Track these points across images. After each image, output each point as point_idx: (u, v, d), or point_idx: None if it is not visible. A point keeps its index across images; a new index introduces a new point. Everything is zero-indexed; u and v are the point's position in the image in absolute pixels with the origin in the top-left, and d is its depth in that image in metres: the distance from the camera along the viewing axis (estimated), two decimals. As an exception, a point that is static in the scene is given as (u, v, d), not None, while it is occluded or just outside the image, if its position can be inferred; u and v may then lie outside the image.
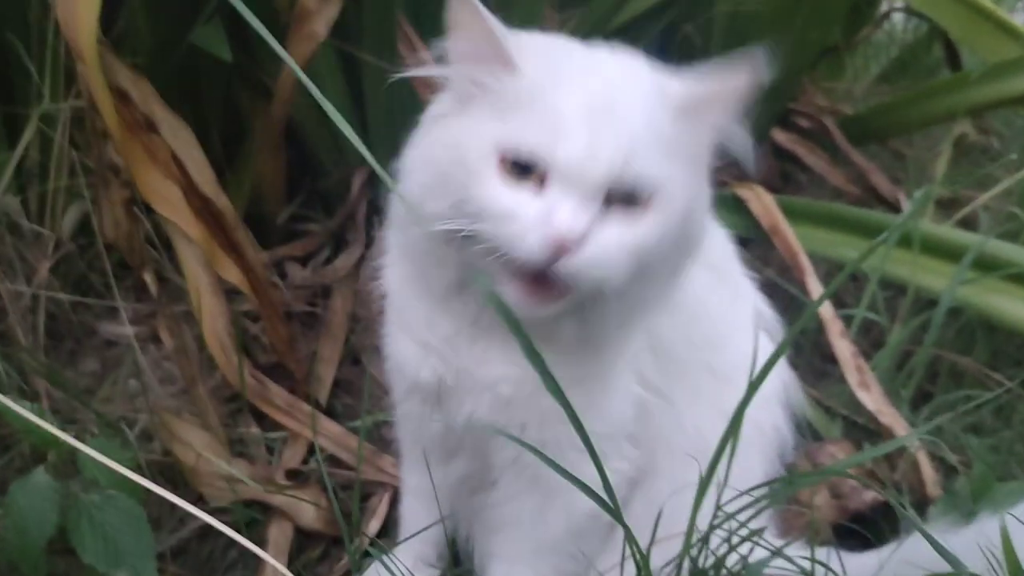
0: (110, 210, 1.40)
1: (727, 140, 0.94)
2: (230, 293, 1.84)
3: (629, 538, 0.98)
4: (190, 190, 1.32)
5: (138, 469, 1.44)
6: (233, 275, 1.38)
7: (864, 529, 1.25)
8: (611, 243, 0.86)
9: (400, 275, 1.08)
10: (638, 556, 1.00)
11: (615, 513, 0.96)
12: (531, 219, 0.85)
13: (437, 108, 0.97)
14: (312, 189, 1.98)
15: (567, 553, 1.13)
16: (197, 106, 1.82)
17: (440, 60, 0.95)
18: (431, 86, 1.66)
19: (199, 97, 1.82)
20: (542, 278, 0.87)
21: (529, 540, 1.12)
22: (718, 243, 1.20)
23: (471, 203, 0.88)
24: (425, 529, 1.25)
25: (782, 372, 1.24)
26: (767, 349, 1.20)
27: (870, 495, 1.26)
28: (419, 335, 1.06)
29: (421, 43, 1.68)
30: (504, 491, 1.12)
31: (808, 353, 1.62)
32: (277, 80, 1.58)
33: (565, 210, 0.84)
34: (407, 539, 1.29)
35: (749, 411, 1.06)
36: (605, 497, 0.94)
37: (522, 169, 0.87)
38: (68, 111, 1.59)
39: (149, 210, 1.75)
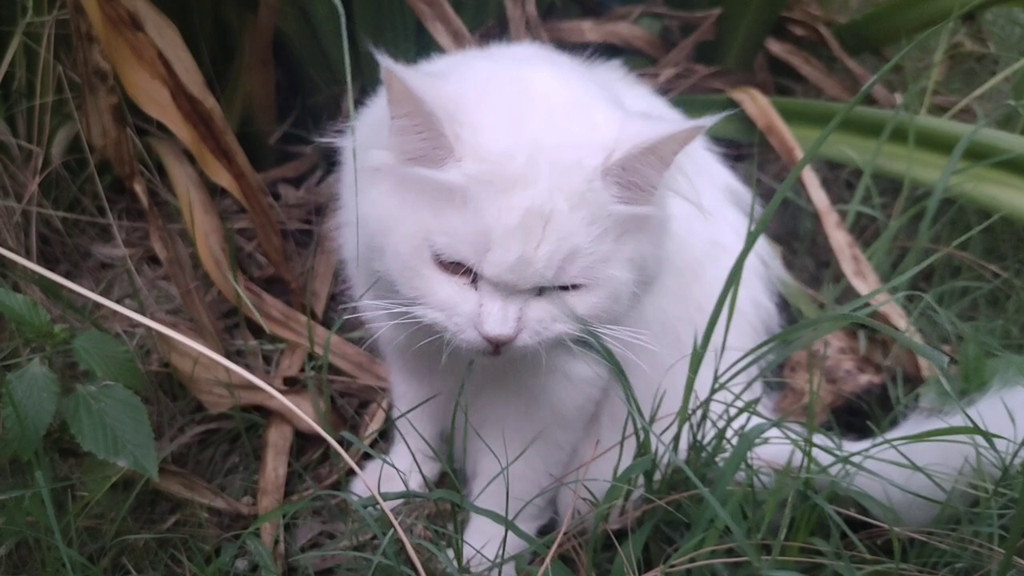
0: (97, 118, 1.39)
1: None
2: (224, 213, 1.85)
3: (634, 412, 0.98)
4: (178, 90, 1.30)
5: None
6: (224, 179, 1.37)
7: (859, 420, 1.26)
8: (546, 326, 0.90)
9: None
10: (641, 423, 1.00)
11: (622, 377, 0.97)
12: (465, 316, 0.88)
13: (375, 158, 0.93)
14: (303, 108, 1.96)
15: (553, 443, 1.16)
16: (186, 24, 1.79)
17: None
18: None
19: (188, 15, 1.80)
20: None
21: (517, 435, 1.14)
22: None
23: (407, 288, 0.90)
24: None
25: (760, 245, 1.24)
26: (740, 224, 1.22)
27: (864, 378, 1.27)
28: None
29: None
30: (491, 397, 1.15)
31: (802, 254, 1.61)
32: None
33: (494, 315, 0.87)
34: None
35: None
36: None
37: (456, 262, 0.88)
38: (53, 25, 1.57)
39: (140, 131, 1.76)
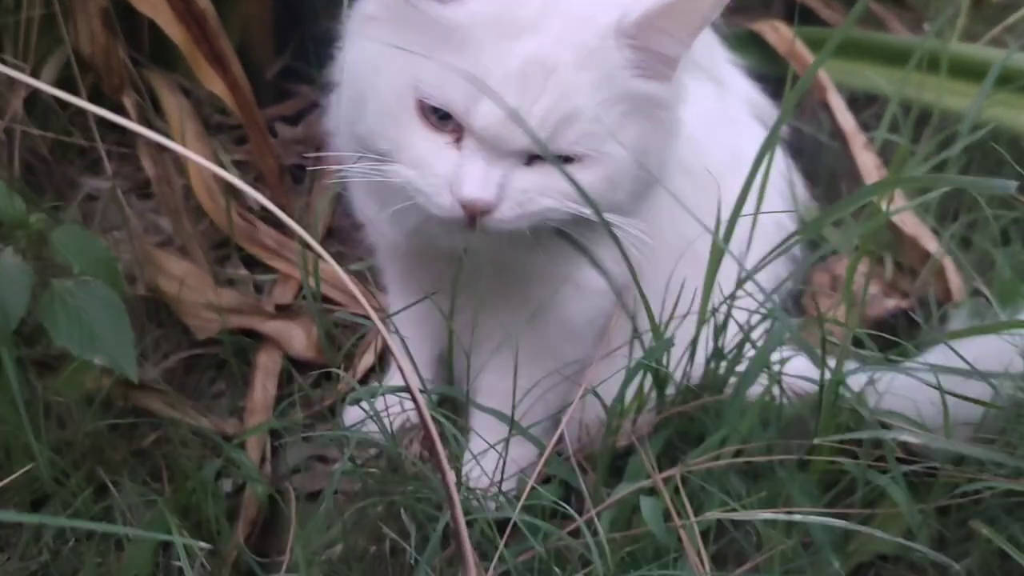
0: (86, 23, 1.32)
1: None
2: (219, 145, 1.78)
3: (648, 311, 0.91)
4: (169, -14, 1.23)
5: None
6: (217, 86, 1.31)
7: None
8: (531, 199, 0.81)
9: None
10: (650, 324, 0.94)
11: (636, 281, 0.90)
12: (441, 176, 0.79)
13: (369, 6, 0.86)
14: (302, 40, 1.89)
15: (560, 358, 1.09)
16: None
17: None
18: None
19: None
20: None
21: (522, 349, 1.06)
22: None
23: (384, 139, 0.82)
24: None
25: (780, 163, 1.17)
26: (761, 138, 1.15)
27: (891, 302, 1.20)
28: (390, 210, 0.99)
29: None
30: (495, 310, 1.07)
31: (825, 190, 1.54)
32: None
33: (474, 177, 0.78)
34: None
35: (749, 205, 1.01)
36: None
37: (441, 115, 0.79)
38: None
39: (134, 62, 1.69)
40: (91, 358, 1.00)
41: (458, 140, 0.80)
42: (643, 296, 0.93)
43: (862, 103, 1.65)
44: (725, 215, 0.99)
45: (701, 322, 0.95)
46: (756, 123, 1.20)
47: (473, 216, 0.79)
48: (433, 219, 0.82)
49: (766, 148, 0.92)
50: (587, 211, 0.82)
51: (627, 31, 0.79)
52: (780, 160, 1.19)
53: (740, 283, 0.94)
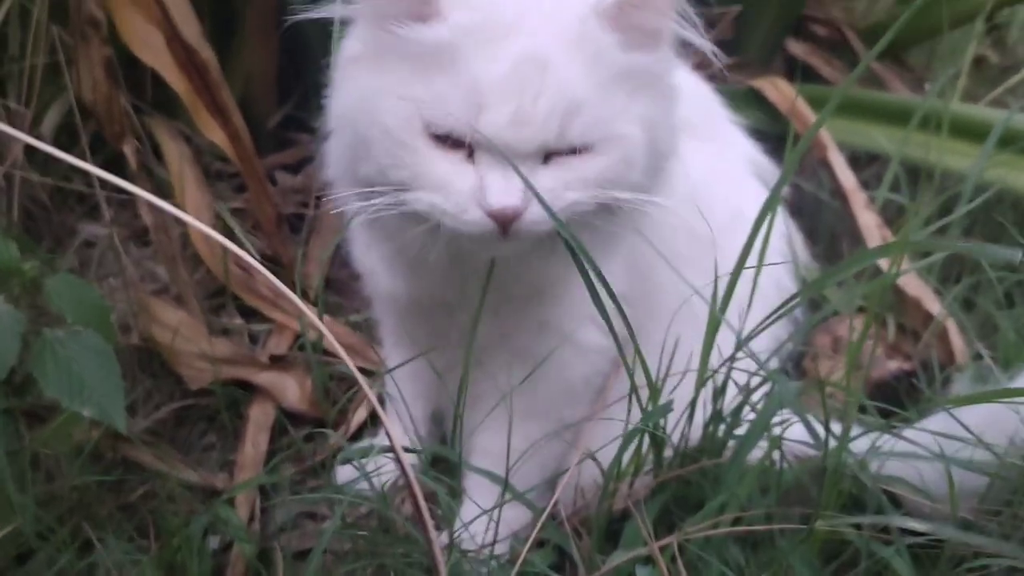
0: (88, 71, 1.32)
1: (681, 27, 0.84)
2: (218, 194, 1.77)
3: (646, 373, 0.90)
4: (173, 37, 1.24)
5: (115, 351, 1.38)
6: (217, 136, 1.30)
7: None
8: (558, 195, 0.80)
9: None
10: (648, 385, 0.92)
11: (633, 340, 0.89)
12: (465, 193, 0.78)
13: (350, 48, 0.87)
14: (305, 90, 1.89)
15: (557, 419, 1.08)
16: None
17: None
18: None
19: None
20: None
21: (517, 408, 1.05)
22: (694, 97, 1.13)
23: (398, 170, 0.80)
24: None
25: (781, 224, 1.17)
26: (763, 197, 1.15)
27: (894, 364, 1.18)
28: (386, 258, 1.00)
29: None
30: (491, 366, 1.06)
31: (825, 248, 1.53)
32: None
33: (497, 186, 0.77)
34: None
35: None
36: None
37: (450, 139, 0.79)
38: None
39: (136, 109, 1.69)
40: (80, 409, 0.98)
41: (471, 155, 0.79)
42: (640, 356, 0.91)
43: (863, 162, 1.65)
44: (725, 274, 0.98)
45: (699, 385, 0.93)
46: (757, 182, 1.20)
47: (504, 224, 0.78)
48: (463, 236, 0.81)
49: (767, 209, 0.91)
50: (612, 195, 0.81)
51: (607, 12, 0.80)
52: (781, 221, 1.19)
53: (738, 347, 0.92)
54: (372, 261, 1.04)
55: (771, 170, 1.20)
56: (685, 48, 0.88)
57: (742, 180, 1.18)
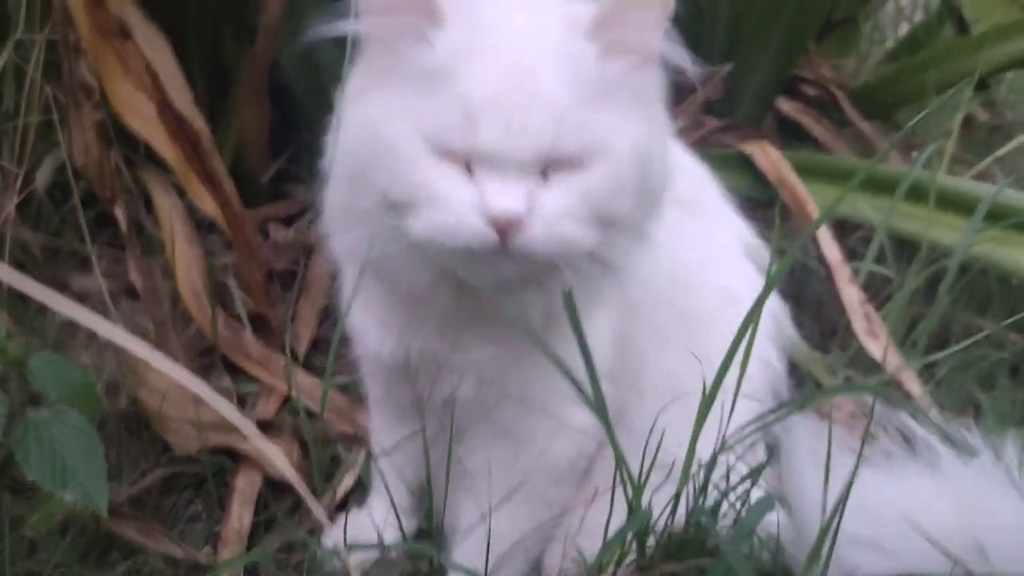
0: (80, 135, 1.33)
1: (666, 57, 0.85)
2: (208, 249, 1.78)
3: (625, 472, 0.90)
4: (164, 106, 1.24)
5: (100, 419, 1.38)
6: (208, 204, 1.31)
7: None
8: (559, 211, 0.80)
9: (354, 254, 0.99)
10: (630, 488, 0.92)
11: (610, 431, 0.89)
12: (466, 205, 0.79)
13: (354, 84, 0.88)
14: (298, 146, 1.91)
15: (541, 501, 1.07)
16: (181, 54, 1.75)
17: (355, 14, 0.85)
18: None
19: (184, 45, 1.76)
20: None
21: (502, 488, 1.05)
22: (687, 174, 1.14)
23: (399, 188, 0.81)
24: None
25: (772, 304, 1.17)
26: (754, 278, 1.15)
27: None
28: (378, 315, 1.00)
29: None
30: (475, 441, 1.06)
31: (810, 320, 1.54)
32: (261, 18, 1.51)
33: (497, 192, 0.78)
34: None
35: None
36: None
37: (449, 151, 0.80)
38: (43, 43, 1.52)
39: (128, 161, 1.70)
40: (62, 493, 0.98)
41: (471, 170, 0.80)
42: (618, 452, 0.91)
43: (849, 227, 1.66)
44: (715, 355, 0.98)
45: (683, 483, 0.93)
46: (748, 262, 1.20)
47: (504, 234, 0.78)
48: (460, 252, 0.80)
49: (756, 309, 0.92)
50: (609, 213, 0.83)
51: (590, 23, 0.81)
52: (771, 300, 1.19)
53: (715, 456, 0.93)
54: (362, 319, 1.04)
55: (762, 250, 1.21)
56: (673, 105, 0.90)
57: (733, 260, 1.18)
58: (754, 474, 0.93)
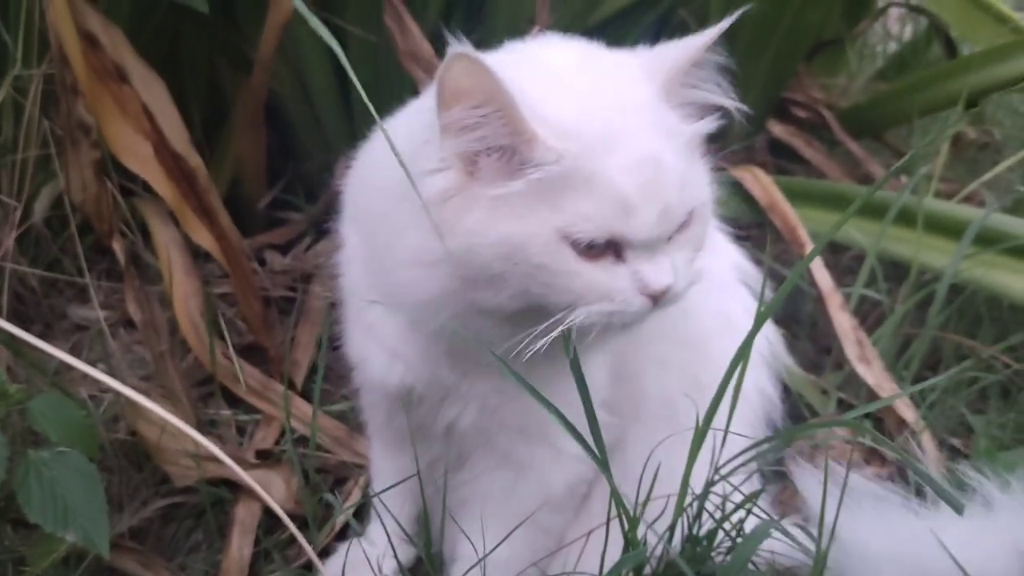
0: (78, 172, 1.34)
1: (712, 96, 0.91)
2: (205, 277, 1.79)
3: (619, 504, 0.92)
4: (161, 146, 1.26)
5: (101, 449, 1.39)
6: (205, 240, 1.32)
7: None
8: (687, 263, 0.89)
9: (364, 284, 1.02)
10: (626, 521, 0.93)
11: (605, 469, 0.90)
12: (629, 290, 0.85)
13: (439, 183, 0.84)
14: (294, 174, 1.92)
15: (539, 527, 1.08)
16: (178, 84, 1.77)
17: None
18: (419, 61, 1.62)
19: (180, 75, 1.78)
20: None
21: (501, 515, 1.07)
22: None
23: (561, 295, 0.84)
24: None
25: (767, 331, 1.18)
26: (750, 305, 1.17)
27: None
28: (386, 343, 1.02)
29: (409, 15, 1.63)
30: (474, 469, 1.08)
31: (804, 339, 1.56)
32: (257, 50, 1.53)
33: (651, 272, 0.85)
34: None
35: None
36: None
37: (591, 246, 0.83)
38: (41, 79, 1.53)
39: (125, 191, 1.72)
40: (63, 534, 0.99)
41: (617, 257, 0.85)
42: (612, 486, 0.92)
43: (842, 247, 1.68)
44: (712, 381, 0.99)
45: (676, 515, 0.95)
46: (743, 289, 1.22)
47: (656, 300, 0.86)
48: (619, 322, 0.87)
49: (749, 341, 0.93)
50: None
51: (663, 89, 0.87)
52: (766, 328, 1.20)
53: (708, 486, 0.94)
54: (365, 347, 1.05)
55: (757, 277, 1.22)
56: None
57: (729, 285, 1.20)
58: (747, 501, 0.94)
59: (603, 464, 0.91)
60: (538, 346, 0.84)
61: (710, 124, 0.90)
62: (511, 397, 0.99)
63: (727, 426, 0.98)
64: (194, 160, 1.30)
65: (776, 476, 1.26)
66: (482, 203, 0.83)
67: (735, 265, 1.24)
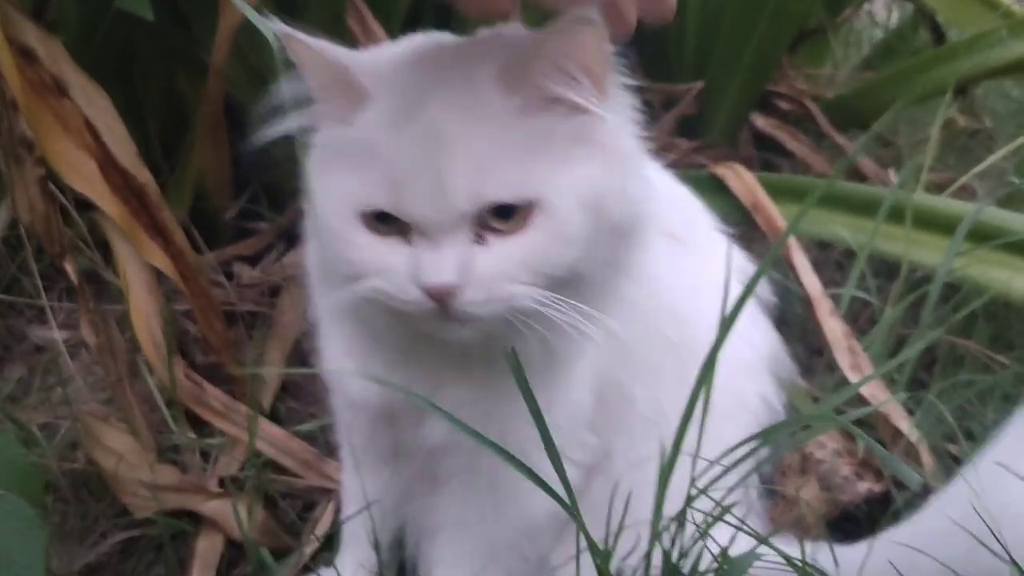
0: (24, 191, 1.27)
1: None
2: (170, 294, 1.72)
3: (589, 542, 0.86)
4: (107, 162, 1.19)
5: (55, 478, 1.32)
6: (158, 259, 1.26)
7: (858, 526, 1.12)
8: (495, 273, 0.77)
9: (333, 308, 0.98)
10: (598, 559, 0.87)
11: (575, 514, 0.84)
12: (403, 273, 0.78)
13: (311, 160, 0.86)
14: (261, 183, 1.85)
15: (519, 554, 1.02)
16: (131, 96, 1.70)
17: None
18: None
19: (136, 85, 1.71)
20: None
21: (478, 542, 1.01)
22: (677, 206, 1.11)
23: (345, 264, 0.82)
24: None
25: (770, 338, 1.13)
26: (751, 310, 1.11)
27: (864, 486, 1.13)
28: (360, 360, 0.97)
29: (372, 17, 1.57)
30: (452, 494, 1.02)
31: (795, 343, 1.49)
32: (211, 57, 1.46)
33: (429, 262, 0.77)
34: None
35: (728, 378, 0.97)
36: (564, 496, 0.84)
37: (382, 219, 0.79)
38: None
39: (85, 206, 1.65)
40: (-4, 582, 0.92)
41: (404, 238, 0.79)
42: (580, 522, 0.86)
43: (827, 243, 1.61)
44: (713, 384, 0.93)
45: (654, 537, 0.88)
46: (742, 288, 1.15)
47: (442, 302, 0.76)
48: (411, 317, 0.80)
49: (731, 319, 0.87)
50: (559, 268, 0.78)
51: (500, 76, 0.77)
52: (767, 333, 1.16)
53: (689, 501, 0.88)
54: (343, 364, 1.00)
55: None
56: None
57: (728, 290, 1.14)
58: (725, 512, 0.88)
59: (572, 509, 0.84)
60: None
61: (574, 124, 0.78)
62: (486, 414, 0.94)
63: (696, 442, 0.91)
64: (143, 175, 1.22)
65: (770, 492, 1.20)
66: (318, 168, 0.84)
67: (736, 268, 1.18)
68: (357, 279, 0.81)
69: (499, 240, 0.77)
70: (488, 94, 0.78)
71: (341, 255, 0.82)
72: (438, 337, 0.84)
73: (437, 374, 0.92)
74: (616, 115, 0.83)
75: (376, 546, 1.19)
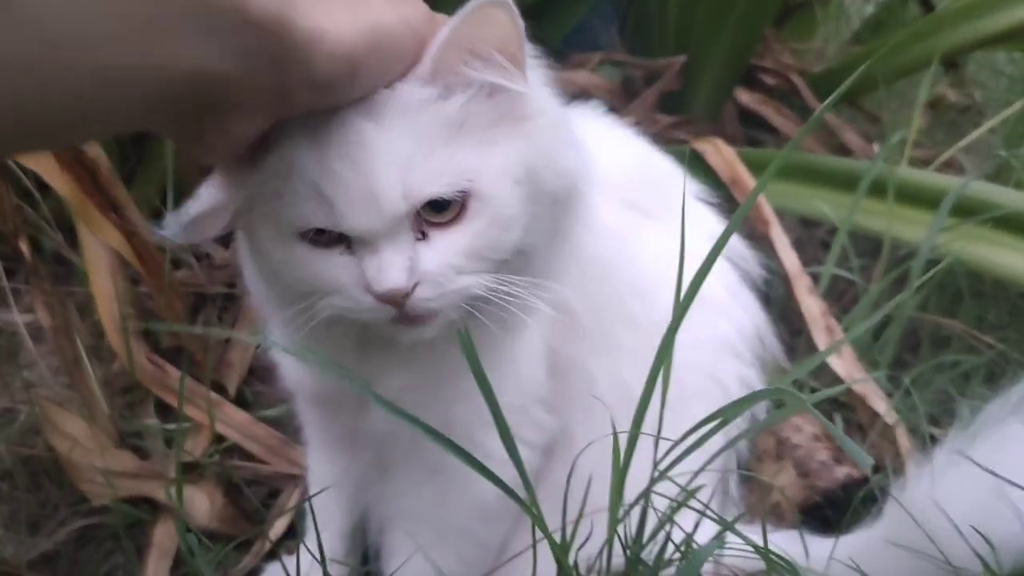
0: (-28, 168, 1.22)
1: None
2: (136, 275, 1.68)
3: (544, 532, 0.81)
4: (54, 138, 1.14)
5: (10, 465, 1.29)
6: (112, 237, 1.21)
7: (835, 512, 1.08)
8: (442, 267, 0.75)
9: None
10: (556, 550, 0.83)
11: (521, 500, 0.80)
12: (354, 284, 0.75)
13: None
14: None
15: (474, 540, 1.00)
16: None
17: None
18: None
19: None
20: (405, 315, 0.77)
21: (431, 528, 0.98)
22: (645, 176, 1.06)
23: (298, 284, 0.78)
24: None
25: (755, 314, 1.08)
26: (728, 279, 1.07)
27: (843, 471, 1.09)
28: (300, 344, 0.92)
29: None
30: (403, 480, 0.99)
31: (776, 323, 1.45)
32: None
33: (375, 271, 0.74)
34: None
35: (700, 356, 0.93)
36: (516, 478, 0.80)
37: (320, 234, 0.75)
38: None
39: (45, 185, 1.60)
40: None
41: (347, 248, 0.75)
42: (533, 514, 0.81)
43: (812, 221, 1.57)
44: (677, 362, 0.89)
45: (612, 527, 0.84)
46: (725, 262, 1.11)
47: (397, 304, 0.74)
48: (374, 323, 0.78)
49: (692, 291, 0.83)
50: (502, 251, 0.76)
51: (422, 73, 0.73)
52: (755, 311, 1.12)
53: (652, 483, 0.83)
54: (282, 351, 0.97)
55: (740, 249, 1.12)
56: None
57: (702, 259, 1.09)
58: (689, 497, 0.84)
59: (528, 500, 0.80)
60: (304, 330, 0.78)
61: (493, 105, 0.76)
62: (426, 397, 0.90)
63: (660, 418, 0.87)
64: (93, 150, 1.18)
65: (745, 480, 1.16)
66: (249, 221, 0.79)
67: (712, 237, 1.13)
68: (311, 294, 0.77)
69: (440, 233, 0.75)
70: (403, 89, 0.73)
71: (290, 276, 0.78)
72: (401, 341, 0.81)
73: (379, 359, 0.89)
74: (534, 87, 0.79)
75: (339, 533, 1.17)
